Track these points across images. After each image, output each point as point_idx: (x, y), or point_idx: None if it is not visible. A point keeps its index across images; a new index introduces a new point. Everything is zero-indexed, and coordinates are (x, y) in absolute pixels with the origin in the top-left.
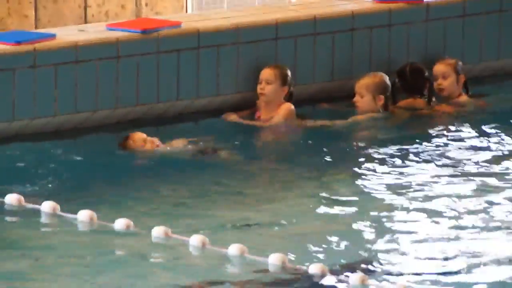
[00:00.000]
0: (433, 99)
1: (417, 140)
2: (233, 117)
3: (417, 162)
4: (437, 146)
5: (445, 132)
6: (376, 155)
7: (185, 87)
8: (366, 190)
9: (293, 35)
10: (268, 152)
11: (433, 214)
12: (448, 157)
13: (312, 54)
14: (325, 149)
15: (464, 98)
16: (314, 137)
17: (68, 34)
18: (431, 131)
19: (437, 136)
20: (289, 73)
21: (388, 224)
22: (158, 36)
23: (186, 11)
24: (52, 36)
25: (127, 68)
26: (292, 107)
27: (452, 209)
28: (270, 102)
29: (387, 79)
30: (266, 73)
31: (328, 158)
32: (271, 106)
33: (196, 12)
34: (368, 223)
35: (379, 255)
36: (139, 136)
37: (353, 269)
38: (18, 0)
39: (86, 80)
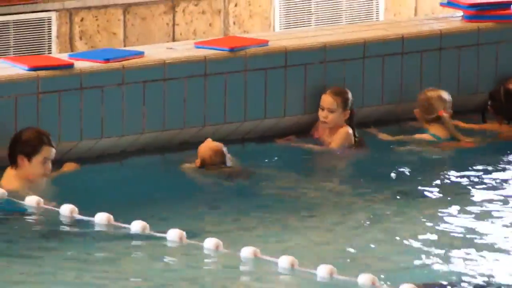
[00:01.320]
0: None
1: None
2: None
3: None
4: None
5: None
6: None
7: (272, 106)
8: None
9: (380, 54)
10: (329, 175)
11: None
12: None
13: (400, 73)
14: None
15: None
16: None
17: (156, 52)
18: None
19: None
20: (350, 96)
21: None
22: (245, 54)
23: (274, 30)
24: (140, 54)
25: (214, 86)
26: (350, 131)
27: None
28: (332, 127)
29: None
30: (328, 102)
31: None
32: (332, 130)
33: (284, 31)
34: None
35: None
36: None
37: None
38: (107, 17)
39: (174, 97)
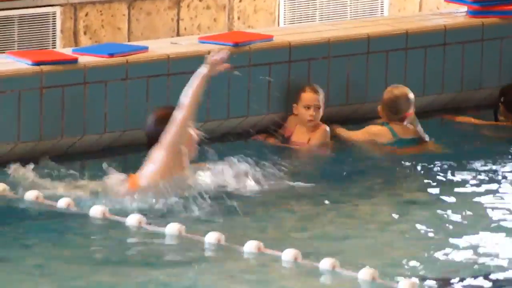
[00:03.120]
0: None
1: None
2: (271, 140)
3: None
4: None
5: None
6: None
7: (275, 100)
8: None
9: (384, 49)
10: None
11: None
12: None
13: (404, 69)
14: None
15: None
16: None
17: (161, 47)
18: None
19: None
20: None
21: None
22: (250, 49)
23: (278, 25)
24: (145, 49)
25: (218, 81)
26: (328, 128)
27: None
28: (313, 125)
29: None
30: (315, 99)
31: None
32: (310, 128)
33: (288, 26)
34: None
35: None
36: None
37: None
38: (111, 12)
39: (178, 92)
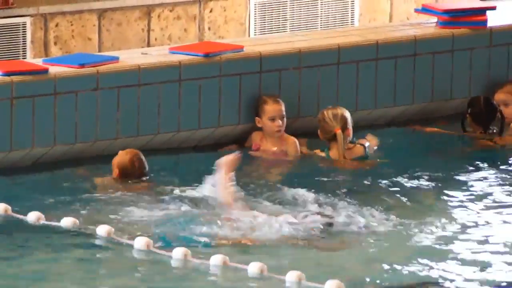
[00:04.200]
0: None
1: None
2: (258, 153)
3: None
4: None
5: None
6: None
7: (246, 111)
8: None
9: (355, 59)
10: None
11: None
12: None
13: (374, 79)
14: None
15: None
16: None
17: (131, 57)
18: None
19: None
20: None
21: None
22: (220, 59)
23: (249, 35)
24: (115, 59)
25: (189, 92)
26: (296, 140)
27: None
28: (280, 136)
29: None
30: (278, 109)
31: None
32: (278, 139)
33: (259, 36)
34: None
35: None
36: None
37: None
38: (82, 23)
39: (148, 103)
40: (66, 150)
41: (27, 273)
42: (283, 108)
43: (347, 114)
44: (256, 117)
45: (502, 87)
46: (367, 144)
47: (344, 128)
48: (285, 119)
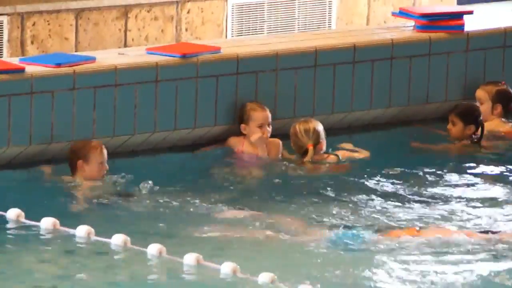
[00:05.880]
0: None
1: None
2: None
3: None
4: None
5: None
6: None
7: (223, 112)
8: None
9: (332, 62)
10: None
11: None
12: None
13: (351, 82)
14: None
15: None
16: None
17: (108, 57)
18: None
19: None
20: None
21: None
22: (197, 61)
23: (226, 37)
24: (92, 59)
25: (166, 92)
26: (280, 142)
27: None
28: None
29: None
30: (266, 116)
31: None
32: (259, 143)
33: (236, 38)
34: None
35: None
36: None
37: None
38: (58, 22)
39: (124, 103)
40: (41, 150)
41: None
42: (269, 115)
43: (320, 127)
44: (242, 124)
45: (486, 85)
46: (340, 154)
47: (316, 143)
48: (271, 126)
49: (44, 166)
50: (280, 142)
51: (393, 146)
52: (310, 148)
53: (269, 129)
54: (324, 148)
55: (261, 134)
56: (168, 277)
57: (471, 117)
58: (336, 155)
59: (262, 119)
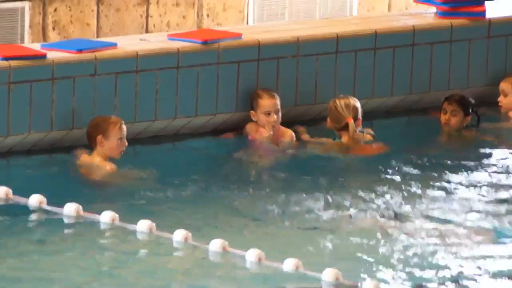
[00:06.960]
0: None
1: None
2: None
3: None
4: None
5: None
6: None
7: (244, 99)
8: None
9: (353, 49)
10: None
11: None
12: None
13: (372, 69)
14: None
15: None
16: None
17: (129, 43)
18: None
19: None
20: None
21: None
22: (218, 47)
23: (247, 23)
24: (113, 45)
25: (187, 78)
26: (293, 133)
27: None
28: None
29: None
30: (273, 104)
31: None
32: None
33: (257, 24)
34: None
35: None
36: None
37: None
38: (80, 8)
39: (146, 89)
40: (63, 135)
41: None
42: (278, 102)
43: (358, 104)
44: (251, 111)
45: (511, 76)
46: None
47: (355, 118)
48: (280, 113)
49: (80, 150)
50: (293, 133)
51: (415, 131)
52: (351, 121)
53: (276, 117)
54: (361, 126)
55: (267, 122)
56: (192, 264)
57: (471, 107)
58: (372, 134)
59: (268, 107)
